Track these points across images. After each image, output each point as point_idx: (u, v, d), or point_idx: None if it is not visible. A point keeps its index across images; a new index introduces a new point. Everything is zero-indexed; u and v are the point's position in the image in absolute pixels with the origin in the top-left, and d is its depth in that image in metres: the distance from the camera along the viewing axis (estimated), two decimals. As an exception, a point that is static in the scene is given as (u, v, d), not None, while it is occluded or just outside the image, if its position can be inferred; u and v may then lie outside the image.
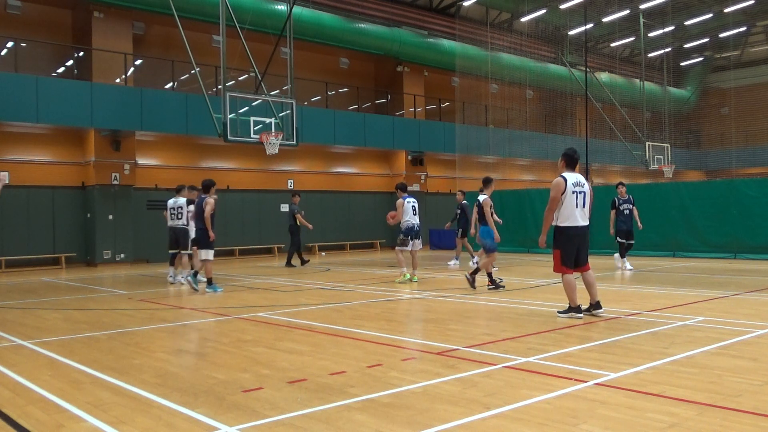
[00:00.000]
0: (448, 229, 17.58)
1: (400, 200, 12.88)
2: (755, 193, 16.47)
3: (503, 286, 10.99)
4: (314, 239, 23.14)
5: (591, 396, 4.43)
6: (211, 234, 11.51)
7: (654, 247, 17.72)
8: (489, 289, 10.98)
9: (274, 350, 6.27)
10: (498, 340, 6.53)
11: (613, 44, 34.85)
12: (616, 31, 31.92)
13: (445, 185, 28.63)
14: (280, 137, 17.04)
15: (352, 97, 27.74)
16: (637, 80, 33.53)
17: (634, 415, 3.99)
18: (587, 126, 24.67)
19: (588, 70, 25.19)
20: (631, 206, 14.19)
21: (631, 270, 13.93)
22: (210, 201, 11.58)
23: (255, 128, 17.32)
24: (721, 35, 34.51)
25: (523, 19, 29.83)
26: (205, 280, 12.00)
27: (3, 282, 14.87)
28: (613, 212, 14.15)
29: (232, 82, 21.09)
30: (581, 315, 7.73)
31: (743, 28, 34.90)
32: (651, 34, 32.48)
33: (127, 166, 19.94)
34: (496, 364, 5.40)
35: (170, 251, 13.36)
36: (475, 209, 11.75)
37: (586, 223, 7.79)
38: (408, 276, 12.67)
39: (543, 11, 28.94)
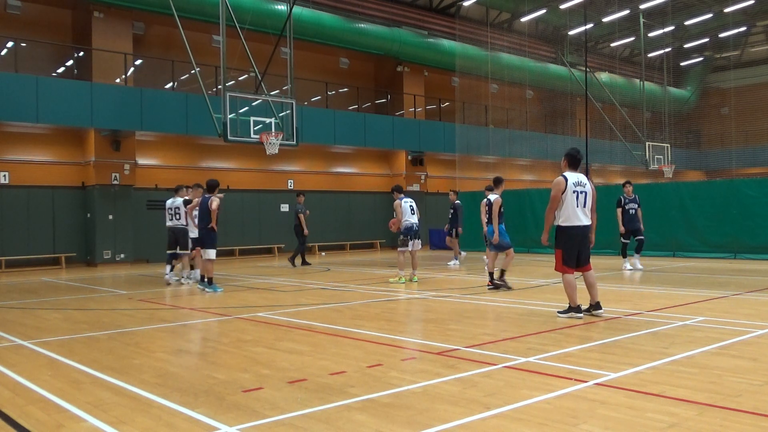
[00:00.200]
0: (446, 231, 17.63)
1: (397, 201, 12.90)
2: (755, 193, 16.46)
3: (507, 288, 10.98)
4: (314, 239, 23.09)
5: (591, 396, 4.43)
6: (214, 225, 11.65)
7: (654, 247, 17.70)
8: (489, 288, 10.99)
9: (274, 350, 6.27)
10: (498, 340, 6.53)
11: (613, 44, 34.85)
12: (616, 31, 31.92)
13: (445, 185, 28.60)
14: (280, 137, 17.04)
15: (352, 97, 27.74)
16: (637, 80, 33.53)
17: (634, 415, 3.99)
18: (587, 126, 24.67)
19: (588, 70, 25.19)
20: (636, 206, 14.08)
21: (640, 269, 13.83)
22: (215, 199, 11.72)
23: (255, 128, 17.32)
24: (721, 35, 34.50)
25: (523, 19, 29.83)
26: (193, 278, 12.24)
27: (3, 282, 14.87)
28: (619, 210, 14.03)
29: (232, 82, 21.09)
30: (581, 315, 7.73)
31: (743, 28, 34.89)
32: (651, 34, 32.48)
33: (127, 166, 19.93)
34: (496, 364, 5.40)
35: (168, 251, 13.34)
36: (485, 208, 11.74)
37: (588, 222, 7.79)
38: (404, 279, 12.64)
39: (543, 11, 28.94)
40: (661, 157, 29.81)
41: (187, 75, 22.15)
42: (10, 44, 20.38)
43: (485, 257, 16.79)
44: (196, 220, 12.22)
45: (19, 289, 13.10)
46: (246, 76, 22.13)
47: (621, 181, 17.00)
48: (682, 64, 38.46)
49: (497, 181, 11.70)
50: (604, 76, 32.97)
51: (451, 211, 17.18)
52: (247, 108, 17.87)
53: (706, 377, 4.87)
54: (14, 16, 19.84)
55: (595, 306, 7.88)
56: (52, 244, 19.39)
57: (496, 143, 27.60)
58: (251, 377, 5.18)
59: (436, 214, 26.87)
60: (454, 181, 27.18)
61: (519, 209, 21.12)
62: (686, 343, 6.14)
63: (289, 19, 17.77)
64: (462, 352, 5.97)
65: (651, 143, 29.56)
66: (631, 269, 13.95)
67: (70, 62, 21.78)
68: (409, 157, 26.62)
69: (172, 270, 13.33)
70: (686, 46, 37.04)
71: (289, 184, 24.36)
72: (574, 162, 7.93)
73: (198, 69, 17.47)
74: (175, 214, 13.10)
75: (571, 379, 4.87)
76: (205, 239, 11.71)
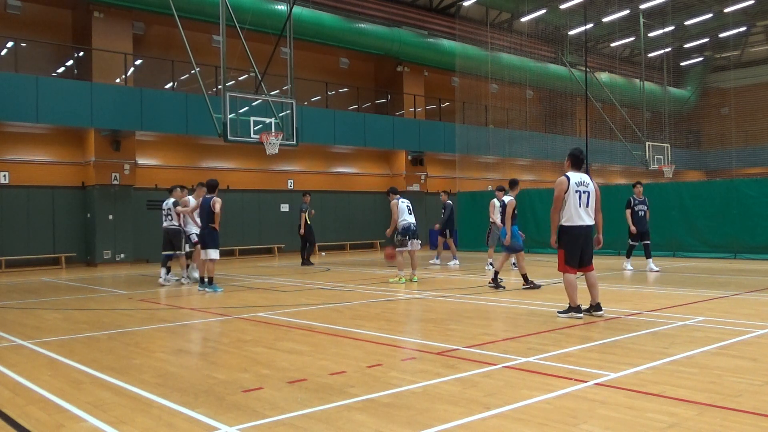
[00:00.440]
0: (437, 230, 17.69)
1: (394, 201, 12.90)
2: (755, 193, 16.46)
3: (503, 287, 11.00)
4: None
5: (591, 396, 4.43)
6: (218, 227, 11.72)
7: (654, 247, 17.59)
8: (489, 286, 11.01)
9: (274, 350, 6.27)
10: (498, 340, 6.53)
11: (613, 44, 34.85)
12: (616, 31, 31.92)
13: (445, 185, 28.59)
14: (280, 137, 17.04)
15: (352, 97, 27.74)
16: (637, 80, 33.53)
17: (634, 415, 3.99)
18: (587, 126, 24.67)
19: (588, 70, 25.19)
20: (645, 208, 13.95)
21: (657, 271, 13.69)
22: (219, 200, 11.73)
23: (255, 128, 17.32)
24: (721, 35, 34.50)
25: (523, 19, 29.83)
26: (187, 278, 12.47)
27: (3, 282, 14.87)
28: (628, 211, 13.91)
29: (232, 82, 21.09)
30: (581, 315, 7.73)
31: (743, 28, 34.89)
32: (651, 34, 32.48)
33: (127, 166, 19.93)
34: (496, 364, 5.40)
35: (162, 252, 13.31)
36: (499, 209, 11.74)
37: (590, 222, 7.79)
38: (404, 280, 12.64)
39: (543, 11, 28.94)
40: (661, 157, 29.80)
41: (187, 75, 22.15)
42: (10, 44, 20.38)
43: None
44: (198, 220, 12.24)
45: (19, 289, 13.10)
46: (246, 76, 22.13)
47: (621, 181, 17.06)
48: (682, 64, 38.46)
49: (513, 183, 11.81)
50: (604, 76, 32.97)
51: (443, 211, 17.26)
52: (247, 108, 17.87)
53: (706, 377, 4.87)
54: (14, 16, 19.85)
55: (596, 307, 7.88)
56: (52, 244, 19.39)
57: (496, 143, 27.59)
58: (251, 377, 5.18)
59: (436, 214, 26.79)
60: (455, 181, 27.20)
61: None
62: (686, 343, 6.14)
63: (289, 19, 17.77)
64: (462, 352, 5.97)
65: (651, 143, 29.56)
66: (631, 270, 13.92)
67: (70, 62, 21.78)
68: (409, 157, 26.62)
69: (168, 272, 13.30)
70: (686, 46, 37.04)
71: (289, 184, 24.36)
72: (577, 162, 7.93)
73: (198, 69, 17.47)
74: (168, 214, 13.09)
75: (571, 379, 4.87)
76: (207, 239, 11.72)
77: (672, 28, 33.22)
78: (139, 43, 21.85)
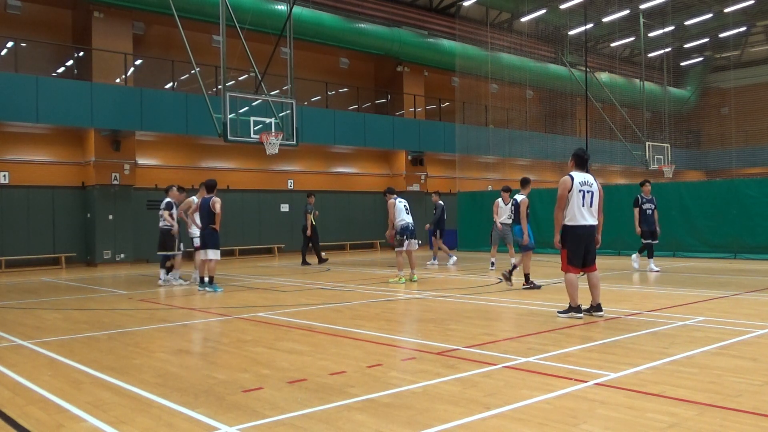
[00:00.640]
0: (427, 230, 17.74)
1: (391, 201, 12.90)
2: (755, 193, 16.46)
3: (540, 287, 10.97)
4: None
5: (591, 396, 4.43)
6: (218, 227, 11.74)
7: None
8: (524, 288, 10.96)
9: (274, 350, 6.27)
10: (498, 340, 6.53)
11: (613, 44, 34.85)
12: (616, 31, 31.92)
13: (445, 185, 28.60)
14: (280, 137, 17.04)
15: (352, 97, 27.74)
16: (637, 80, 33.53)
17: (634, 415, 3.99)
18: (587, 126, 24.67)
19: (588, 70, 25.18)
20: (653, 207, 13.80)
21: (657, 271, 13.59)
22: (218, 200, 11.76)
23: (255, 128, 17.32)
24: (721, 35, 34.50)
25: (523, 19, 29.83)
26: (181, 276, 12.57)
27: (3, 282, 14.87)
28: (636, 210, 13.77)
29: (232, 82, 21.09)
30: (581, 315, 7.72)
31: (743, 28, 34.88)
32: (651, 34, 32.48)
33: (127, 166, 19.93)
34: (496, 364, 5.40)
35: (158, 252, 13.30)
36: (511, 208, 11.72)
37: (594, 222, 7.79)
38: (404, 280, 12.64)
39: (543, 11, 28.94)
40: (661, 157, 29.80)
41: (187, 75, 22.15)
42: (10, 44, 20.38)
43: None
44: (198, 221, 12.24)
45: (19, 289, 13.10)
46: (246, 76, 22.13)
47: (621, 181, 17.04)
48: (682, 64, 38.46)
49: (524, 182, 11.81)
50: (604, 76, 32.96)
51: (434, 211, 17.33)
52: (247, 108, 17.87)
53: (706, 377, 4.87)
54: (14, 16, 19.84)
55: (596, 308, 7.87)
56: (52, 244, 19.39)
57: (496, 143, 27.59)
58: (251, 377, 5.18)
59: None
60: (455, 181, 27.20)
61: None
62: (686, 343, 6.14)
63: (289, 19, 17.77)
64: (462, 352, 5.97)
65: (651, 143, 29.55)
66: (636, 267, 13.81)
67: (70, 62, 21.78)
68: (409, 157, 26.62)
69: (168, 272, 13.30)
70: (686, 46, 37.04)
71: (289, 184, 24.36)
72: (581, 162, 7.94)
73: (198, 69, 17.47)
74: (161, 215, 13.08)
75: (571, 379, 4.87)
76: (208, 240, 11.74)
77: (672, 28, 33.21)
78: (139, 43, 21.85)
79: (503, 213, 15.28)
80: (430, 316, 8.42)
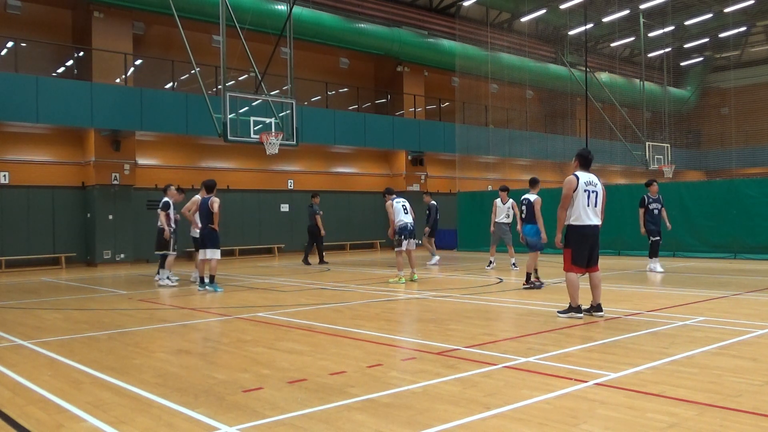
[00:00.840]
0: (427, 233, 17.75)
1: (389, 202, 12.91)
2: (755, 193, 16.46)
3: (539, 286, 10.95)
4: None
5: (591, 396, 4.43)
6: (216, 227, 11.72)
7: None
8: (524, 288, 10.95)
9: (274, 350, 6.27)
10: (498, 340, 6.53)
11: (613, 44, 34.85)
12: (616, 31, 31.92)
13: (445, 185, 28.62)
14: (280, 137, 17.05)
15: (352, 97, 27.74)
16: (637, 80, 33.53)
17: (634, 415, 3.99)
18: (587, 126, 24.67)
19: (588, 70, 25.18)
20: (660, 206, 13.66)
21: (652, 271, 13.50)
22: (217, 199, 11.78)
23: (255, 128, 17.32)
24: (721, 35, 34.50)
25: (523, 19, 29.83)
26: (168, 277, 12.55)
27: (3, 282, 14.87)
28: (641, 210, 13.63)
29: (232, 82, 21.09)
30: (581, 315, 7.72)
31: (743, 28, 34.88)
32: (651, 34, 32.48)
33: (127, 166, 19.93)
34: (496, 364, 5.40)
35: (155, 252, 13.28)
36: (519, 207, 11.70)
37: (598, 222, 7.79)
38: (404, 280, 12.65)
39: (543, 11, 28.94)
40: (661, 157, 29.80)
41: (187, 75, 22.15)
42: (10, 44, 20.38)
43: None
44: (198, 221, 12.24)
45: (19, 289, 13.10)
46: (246, 76, 22.13)
47: (621, 181, 17.00)
48: (682, 64, 38.46)
49: (534, 182, 11.83)
50: (604, 76, 32.96)
51: (427, 212, 17.38)
52: (247, 108, 17.87)
53: (706, 377, 4.87)
54: (14, 16, 19.84)
55: (596, 308, 7.87)
56: (52, 244, 19.38)
57: (496, 143, 27.59)
58: (251, 377, 5.18)
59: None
60: (455, 181, 27.20)
61: (520, 209, 21.10)
62: (686, 343, 6.14)
63: (289, 19, 17.77)
64: (462, 352, 5.97)
65: (651, 143, 29.55)
66: (662, 271, 13.54)
67: (70, 62, 21.78)
68: (409, 157, 26.62)
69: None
70: (686, 46, 37.04)
71: (289, 184, 24.36)
72: (585, 162, 7.94)
73: (198, 69, 17.47)
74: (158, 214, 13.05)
75: (571, 379, 4.87)
76: (207, 240, 11.75)
77: (672, 28, 33.21)
78: (139, 43, 21.84)
79: (501, 212, 15.32)
80: (430, 316, 8.42)
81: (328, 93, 26.33)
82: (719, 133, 36.84)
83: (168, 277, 12.99)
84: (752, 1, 28.56)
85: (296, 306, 9.57)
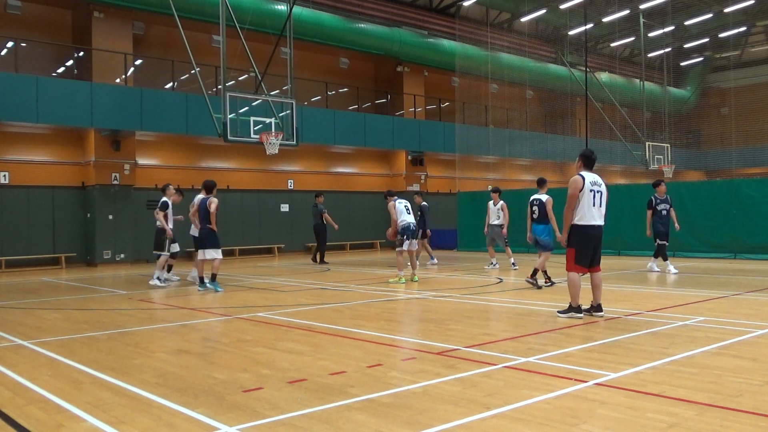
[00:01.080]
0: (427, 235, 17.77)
1: (391, 203, 12.94)
2: (755, 193, 16.46)
3: (540, 287, 10.96)
4: (314, 239, 23.11)
5: (591, 396, 4.43)
6: (214, 227, 11.73)
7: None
8: (526, 281, 11.12)
9: (274, 350, 6.27)
10: (498, 340, 6.53)
11: (613, 44, 34.85)
12: (616, 31, 31.91)
13: (445, 185, 28.62)
14: (280, 137, 17.05)
15: (352, 97, 27.74)
16: (637, 80, 33.52)
17: (634, 415, 3.99)
18: (587, 126, 24.68)
19: (588, 70, 25.18)
20: (668, 207, 13.46)
21: (657, 272, 13.31)
22: (215, 200, 11.81)
23: (255, 128, 17.32)
24: (721, 35, 34.50)
25: (523, 19, 29.83)
26: (159, 277, 12.52)
27: (3, 282, 14.87)
28: (649, 212, 13.44)
29: (232, 82, 21.09)
30: (581, 315, 7.73)
31: (743, 28, 34.88)
32: (651, 34, 32.48)
33: (127, 166, 19.93)
34: (496, 364, 5.40)
35: (153, 251, 13.24)
36: (530, 208, 11.71)
37: (602, 222, 7.80)
38: (404, 280, 12.66)
39: (543, 11, 28.94)
40: (661, 157, 29.79)
41: (187, 75, 22.14)
42: (10, 44, 20.38)
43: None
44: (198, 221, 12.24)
45: (19, 289, 13.10)
46: (246, 76, 22.12)
47: (621, 181, 16.97)
48: (682, 64, 38.44)
49: (541, 182, 11.86)
50: (604, 76, 32.96)
51: (419, 213, 17.40)
52: (247, 108, 17.87)
53: (706, 377, 4.87)
54: (14, 16, 19.84)
55: (596, 308, 7.88)
56: (52, 244, 19.38)
57: (496, 143, 27.59)
58: (251, 377, 5.18)
59: (435, 215, 26.81)
60: (455, 181, 27.20)
61: (519, 209, 21.10)
62: (686, 343, 6.14)
63: (289, 19, 17.77)
64: (462, 352, 5.97)
65: (651, 143, 29.54)
66: (676, 272, 13.32)
67: (70, 62, 21.78)
68: (409, 157, 26.62)
69: (169, 270, 13.28)
70: (686, 46, 37.03)
71: (289, 184, 24.36)
72: (589, 162, 7.96)
73: (198, 69, 17.47)
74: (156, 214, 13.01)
75: (571, 379, 4.87)
76: (206, 240, 11.77)
77: (672, 28, 33.21)
78: (139, 43, 21.84)
79: (492, 214, 15.40)
80: (430, 316, 8.42)
81: (328, 93, 26.33)
82: (719, 133, 36.83)
83: (158, 278, 12.79)
84: (752, 1, 28.55)
85: (296, 306, 9.57)
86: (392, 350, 6.25)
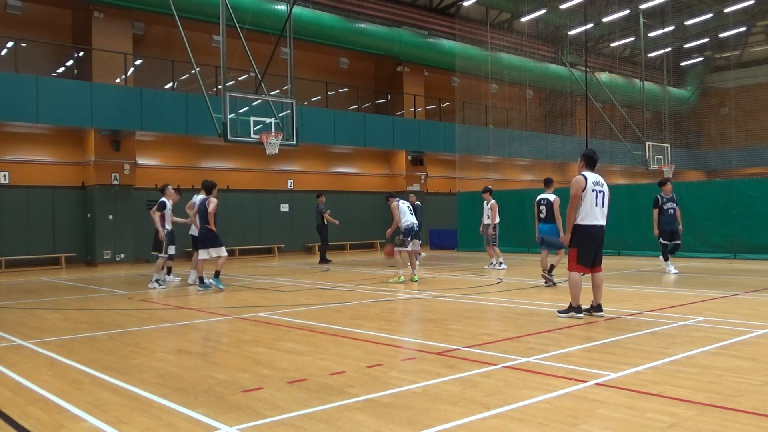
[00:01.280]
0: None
1: (394, 203, 12.95)
2: (755, 193, 16.45)
3: (555, 284, 11.09)
4: (314, 239, 23.11)
5: (591, 396, 4.43)
6: (213, 227, 11.74)
7: (654, 247, 17.66)
8: (542, 274, 11.34)
9: (274, 350, 6.27)
10: (498, 340, 6.53)
11: (613, 44, 34.85)
12: (616, 31, 31.91)
13: (445, 185, 28.63)
14: (280, 137, 17.05)
15: (352, 97, 27.74)
16: (637, 80, 33.52)
17: (634, 415, 3.99)
18: (587, 126, 24.68)
19: (588, 70, 25.18)
20: (675, 205, 13.28)
21: (676, 273, 13.15)
22: (213, 200, 11.82)
23: (255, 128, 17.32)
24: (721, 35, 34.49)
25: (523, 19, 29.83)
26: (157, 280, 12.45)
27: (3, 282, 14.87)
28: (656, 211, 13.24)
29: (232, 82, 21.09)
30: (581, 315, 7.73)
31: (743, 28, 34.88)
32: (651, 34, 32.48)
33: (127, 166, 19.93)
34: (496, 364, 5.40)
35: (152, 252, 13.19)
36: (537, 207, 11.72)
37: (604, 222, 7.80)
38: (403, 278, 12.67)
39: (543, 11, 28.94)
40: (661, 157, 29.79)
41: (187, 75, 22.14)
42: (10, 44, 20.38)
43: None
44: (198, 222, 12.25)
45: (19, 289, 13.10)
46: (246, 76, 22.13)
47: (621, 181, 16.94)
48: (682, 64, 38.45)
49: (548, 182, 11.92)
50: (604, 76, 32.96)
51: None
52: (247, 108, 17.87)
53: (706, 377, 4.87)
54: (14, 16, 19.84)
55: (597, 308, 7.88)
56: (52, 244, 19.38)
57: (496, 143, 27.59)
58: (251, 377, 5.18)
59: (435, 214, 26.88)
60: (455, 181, 27.20)
61: (519, 209, 21.13)
62: (686, 343, 6.14)
63: (289, 19, 17.77)
64: (462, 352, 5.97)
65: (651, 143, 29.54)
66: (676, 272, 13.23)
67: (70, 62, 21.78)
68: (409, 157, 26.62)
69: (169, 273, 13.26)
70: (686, 46, 37.03)
71: (289, 184, 24.36)
72: (591, 162, 7.97)
73: (198, 69, 17.47)
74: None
75: (571, 379, 4.87)
76: (208, 240, 11.80)
77: (672, 28, 33.20)
78: (139, 43, 21.84)
79: (484, 214, 15.47)
80: (430, 316, 8.43)
81: (328, 93, 26.33)
82: (719, 133, 36.83)
83: (157, 281, 12.51)
84: (752, 1, 28.54)
85: (296, 306, 9.57)
86: (392, 350, 6.25)
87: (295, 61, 18.87)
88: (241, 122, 17.12)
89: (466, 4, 27.56)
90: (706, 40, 36.28)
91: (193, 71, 18.31)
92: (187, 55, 17.20)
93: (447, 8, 29.17)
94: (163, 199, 12.78)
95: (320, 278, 13.98)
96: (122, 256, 19.68)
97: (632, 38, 33.52)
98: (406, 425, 3.90)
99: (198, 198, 12.73)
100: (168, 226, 12.61)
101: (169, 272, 13.28)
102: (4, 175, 18.76)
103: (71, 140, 20.10)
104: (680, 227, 13.47)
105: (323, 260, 18.54)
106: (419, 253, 17.40)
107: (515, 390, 4.60)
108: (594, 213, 7.69)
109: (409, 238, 12.71)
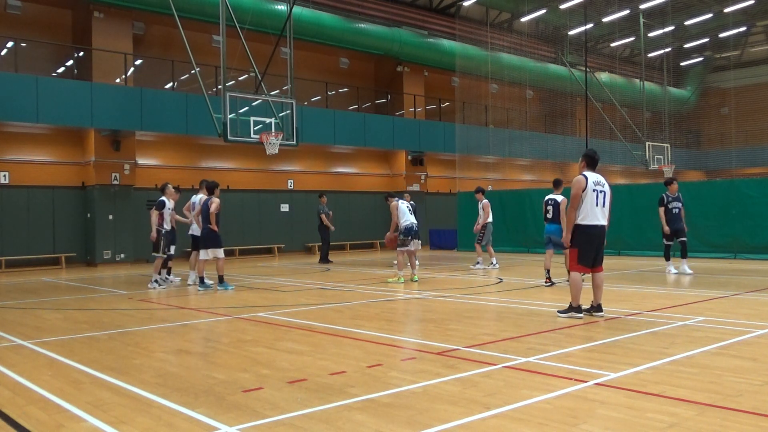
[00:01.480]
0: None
1: (394, 203, 12.94)
2: (755, 193, 16.45)
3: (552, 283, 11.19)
4: (314, 239, 23.10)
5: (591, 396, 4.43)
6: (215, 227, 11.75)
7: (654, 247, 17.67)
8: (546, 286, 11.32)
9: (274, 350, 6.27)
10: (498, 340, 6.53)
11: (613, 44, 34.85)
12: (616, 31, 31.91)
13: (445, 185, 28.63)
14: (280, 137, 17.04)
15: (352, 97, 27.74)
16: (637, 80, 33.52)
17: (634, 415, 3.99)
18: (587, 126, 24.68)
19: (588, 70, 25.18)
20: (680, 205, 13.22)
21: (690, 273, 12.99)
22: (215, 200, 11.83)
23: (255, 128, 17.32)
24: (721, 35, 34.49)
25: (523, 19, 29.83)
26: (156, 280, 12.37)
27: (3, 282, 14.87)
28: (661, 209, 13.18)
29: (232, 82, 21.09)
30: (581, 315, 7.73)
31: (743, 28, 34.88)
32: (651, 34, 32.48)
33: (127, 166, 19.94)
34: (496, 364, 5.40)
35: (152, 253, 13.15)
36: (544, 207, 11.71)
37: (605, 222, 7.80)
38: (402, 279, 12.67)
39: (543, 11, 28.94)
40: (661, 157, 29.79)
41: (187, 75, 22.15)
42: (10, 44, 20.38)
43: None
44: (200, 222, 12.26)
45: (19, 289, 13.10)
46: (246, 76, 22.13)
47: (621, 181, 16.93)
48: (682, 64, 38.44)
49: (557, 183, 11.99)
50: (604, 76, 32.95)
51: None
52: (247, 108, 17.87)
53: (706, 377, 4.87)
54: (14, 16, 19.84)
55: (597, 308, 7.88)
56: (52, 244, 19.38)
57: (496, 143, 27.59)
58: (251, 377, 5.18)
59: (435, 214, 26.88)
60: (455, 181, 27.20)
61: (519, 209, 21.14)
62: (686, 343, 6.14)
63: (289, 19, 17.77)
64: (462, 352, 5.97)
65: (651, 143, 29.54)
66: (676, 272, 13.18)
67: (70, 62, 21.78)
68: (409, 157, 26.63)
69: (169, 273, 13.24)
70: (686, 46, 37.03)
71: (289, 184, 24.36)
72: (592, 162, 7.97)
73: (198, 69, 17.47)
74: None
75: (571, 379, 4.87)
76: (209, 240, 11.79)
77: (672, 28, 33.20)
78: (139, 43, 21.84)
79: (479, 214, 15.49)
80: (430, 316, 8.42)
81: (328, 93, 26.33)
82: (719, 133, 36.83)
83: (156, 281, 12.46)
84: (752, 1, 28.54)
85: (296, 306, 9.57)
86: (392, 350, 6.25)
87: (295, 61, 18.87)
88: (241, 122, 17.12)
89: (466, 4, 27.56)
90: (706, 40, 36.27)
91: (193, 71, 18.30)
92: (187, 55, 17.19)
93: (447, 8, 29.17)
94: (163, 198, 12.73)
95: (320, 278, 13.98)
96: (122, 256, 19.68)
97: (632, 38, 33.52)
98: (406, 425, 3.90)
99: (197, 198, 12.73)
100: (167, 226, 12.55)
101: (169, 272, 13.27)
102: (4, 175, 18.76)
103: (71, 140, 20.10)
104: (684, 227, 13.40)
105: (324, 260, 18.56)
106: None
107: (515, 390, 4.60)
108: (594, 213, 7.68)
109: (410, 238, 12.72)
